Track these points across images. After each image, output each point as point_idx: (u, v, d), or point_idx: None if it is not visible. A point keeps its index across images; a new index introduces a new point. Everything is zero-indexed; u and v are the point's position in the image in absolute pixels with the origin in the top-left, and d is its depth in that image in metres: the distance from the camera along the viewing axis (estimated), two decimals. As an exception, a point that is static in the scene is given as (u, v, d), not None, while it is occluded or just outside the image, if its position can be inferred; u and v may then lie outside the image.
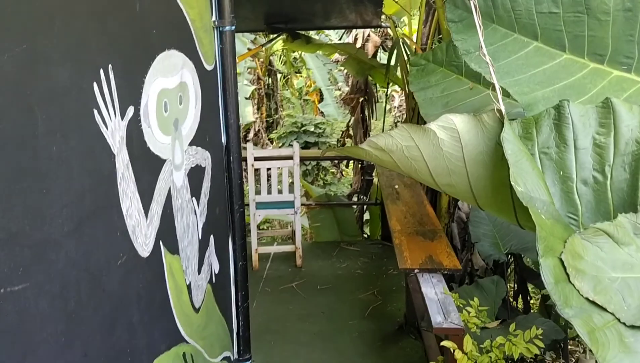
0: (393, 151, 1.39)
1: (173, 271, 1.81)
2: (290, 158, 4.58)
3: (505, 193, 1.34)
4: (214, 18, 2.26)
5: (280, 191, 4.66)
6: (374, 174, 5.99)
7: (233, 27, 2.30)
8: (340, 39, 5.80)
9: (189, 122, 1.99)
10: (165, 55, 1.74)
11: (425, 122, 1.64)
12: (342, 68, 17.13)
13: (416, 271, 2.61)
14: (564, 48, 1.76)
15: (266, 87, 12.46)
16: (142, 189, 1.56)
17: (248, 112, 8.61)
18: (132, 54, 1.53)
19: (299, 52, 15.65)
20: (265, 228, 6.83)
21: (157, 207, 1.68)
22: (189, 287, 1.98)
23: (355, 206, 5.86)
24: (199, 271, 2.11)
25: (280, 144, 9.42)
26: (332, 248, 5.22)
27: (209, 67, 2.23)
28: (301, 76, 18.03)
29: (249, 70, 10.24)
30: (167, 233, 1.77)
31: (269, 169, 4.62)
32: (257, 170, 4.64)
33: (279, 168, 4.64)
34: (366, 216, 6.21)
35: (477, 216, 4.33)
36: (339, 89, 12.45)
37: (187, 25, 1.95)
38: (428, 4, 4.16)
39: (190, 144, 2.02)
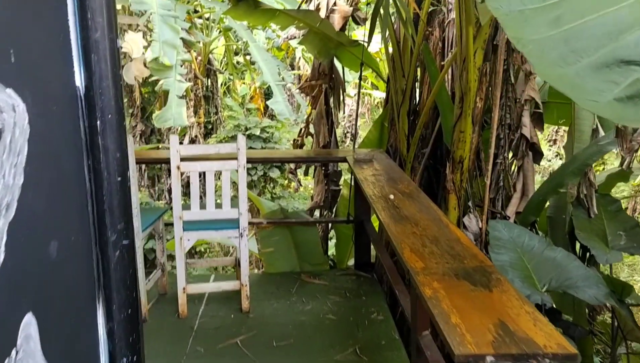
0: None
1: None
2: (234, 157, 3.21)
3: None
4: None
5: (218, 205, 3.27)
6: (341, 183, 4.69)
7: None
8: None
9: None
10: None
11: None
12: (293, 67, 15.85)
13: (490, 360, 1.30)
14: None
15: (204, 88, 11.00)
16: None
17: (181, 114, 7.12)
18: None
19: (243, 53, 14.28)
20: (199, 251, 5.36)
21: None
22: None
23: (318, 225, 4.53)
24: None
25: (221, 151, 7.98)
26: (290, 282, 3.86)
27: None
28: (244, 83, 16.65)
29: (183, 64, 8.77)
30: None
31: (202, 174, 3.23)
32: (184, 175, 3.23)
33: (217, 171, 3.26)
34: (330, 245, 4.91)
35: (499, 237, 3.11)
36: (289, 90, 11.19)
37: None
38: None
39: None
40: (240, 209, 3.28)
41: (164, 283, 3.65)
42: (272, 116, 11.81)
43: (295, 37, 4.84)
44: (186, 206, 3.25)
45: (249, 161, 3.50)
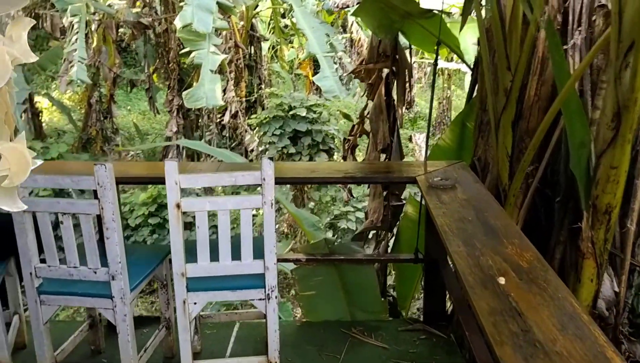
0: None
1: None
2: (257, 184, 2.23)
3: None
4: None
5: (236, 256, 2.31)
6: (404, 197, 3.63)
7: None
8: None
9: None
10: None
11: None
12: (345, 29, 14.50)
13: None
14: None
15: (247, 57, 9.99)
16: None
17: (215, 92, 6.16)
18: None
19: (290, 16, 13.09)
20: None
21: None
22: None
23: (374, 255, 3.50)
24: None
25: (261, 134, 7.02)
26: (338, 340, 2.90)
27: None
28: (292, 47, 15.52)
29: (219, 32, 7.76)
30: None
31: (212, 214, 2.26)
32: (187, 216, 2.29)
33: (233, 210, 2.28)
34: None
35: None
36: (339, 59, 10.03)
37: None
38: None
39: None
40: (266, 262, 2.31)
41: (170, 344, 2.77)
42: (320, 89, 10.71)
43: (348, 6, 3.74)
44: (191, 257, 2.30)
45: (280, 181, 2.51)
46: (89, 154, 9.67)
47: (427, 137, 2.83)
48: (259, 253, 2.32)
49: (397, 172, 2.86)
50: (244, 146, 9.13)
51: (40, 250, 2.29)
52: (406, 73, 3.40)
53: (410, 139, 13.09)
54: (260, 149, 7.40)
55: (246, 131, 8.44)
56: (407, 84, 3.43)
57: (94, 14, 7.63)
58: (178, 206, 2.20)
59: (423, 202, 2.95)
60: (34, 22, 0.91)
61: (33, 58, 0.89)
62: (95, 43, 8.37)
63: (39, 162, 2.99)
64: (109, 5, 7.54)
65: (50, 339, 2.40)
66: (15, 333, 2.72)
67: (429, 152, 3.20)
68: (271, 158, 2.22)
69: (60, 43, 9.62)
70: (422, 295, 3.23)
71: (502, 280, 1.69)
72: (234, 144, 9.35)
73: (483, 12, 2.71)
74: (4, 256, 2.52)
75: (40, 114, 10.58)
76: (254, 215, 2.34)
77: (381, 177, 2.82)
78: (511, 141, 2.43)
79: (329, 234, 7.39)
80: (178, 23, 6.35)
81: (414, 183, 2.81)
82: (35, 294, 2.31)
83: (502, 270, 1.76)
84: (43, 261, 2.31)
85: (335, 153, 7.46)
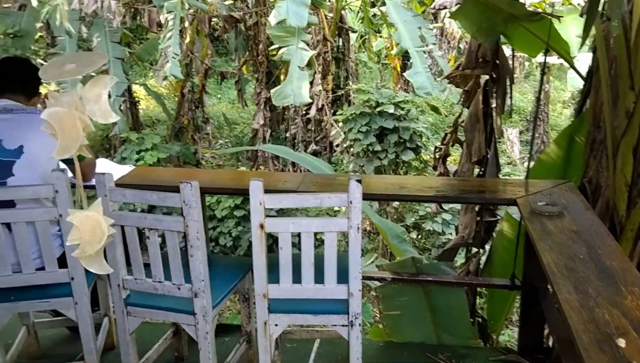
0: None
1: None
2: (342, 206, 2.12)
3: None
4: None
5: (319, 279, 2.21)
6: (499, 212, 3.38)
7: None
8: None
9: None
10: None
11: None
12: (436, 18, 14.01)
13: None
14: None
15: (334, 49, 9.87)
16: None
17: (302, 90, 6.11)
18: None
19: (379, 5, 12.82)
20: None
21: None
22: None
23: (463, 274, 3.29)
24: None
25: (346, 130, 6.89)
26: (422, 365, 2.74)
27: None
28: (381, 37, 15.22)
29: (309, 29, 7.69)
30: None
31: (297, 235, 2.18)
32: (271, 238, 2.22)
33: (318, 233, 2.18)
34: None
35: None
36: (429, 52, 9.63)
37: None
38: None
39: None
40: (350, 288, 2.19)
41: (250, 357, 2.75)
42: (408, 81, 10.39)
43: (445, 7, 3.51)
44: (274, 278, 2.23)
45: (367, 198, 2.40)
46: (180, 144, 10.02)
47: (530, 154, 2.58)
48: (343, 276, 2.21)
49: (494, 192, 2.63)
50: (328, 140, 9.08)
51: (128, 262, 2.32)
52: (507, 80, 3.14)
53: (502, 135, 12.46)
54: (345, 145, 7.30)
55: (332, 126, 8.37)
56: (508, 92, 3.17)
57: (188, 9, 7.82)
58: (262, 226, 2.14)
59: (522, 222, 2.71)
60: (116, 79, 0.84)
61: (114, 118, 0.82)
62: (188, 38, 8.60)
63: (131, 168, 3.02)
64: (203, 1, 7.69)
65: (135, 348, 2.44)
66: (104, 335, 2.81)
67: (531, 167, 2.93)
68: (359, 180, 2.09)
69: (157, 35, 10.00)
70: (517, 319, 2.99)
71: (621, 342, 1.47)
72: (318, 138, 9.32)
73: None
74: (96, 261, 2.58)
75: (138, 104, 11.10)
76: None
77: (476, 197, 2.61)
78: (631, 169, 2.15)
79: (413, 235, 7.17)
80: (273, 20, 6.30)
81: (513, 204, 2.58)
82: (122, 305, 2.35)
83: (621, 328, 1.53)
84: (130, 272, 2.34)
85: (422, 151, 7.20)
